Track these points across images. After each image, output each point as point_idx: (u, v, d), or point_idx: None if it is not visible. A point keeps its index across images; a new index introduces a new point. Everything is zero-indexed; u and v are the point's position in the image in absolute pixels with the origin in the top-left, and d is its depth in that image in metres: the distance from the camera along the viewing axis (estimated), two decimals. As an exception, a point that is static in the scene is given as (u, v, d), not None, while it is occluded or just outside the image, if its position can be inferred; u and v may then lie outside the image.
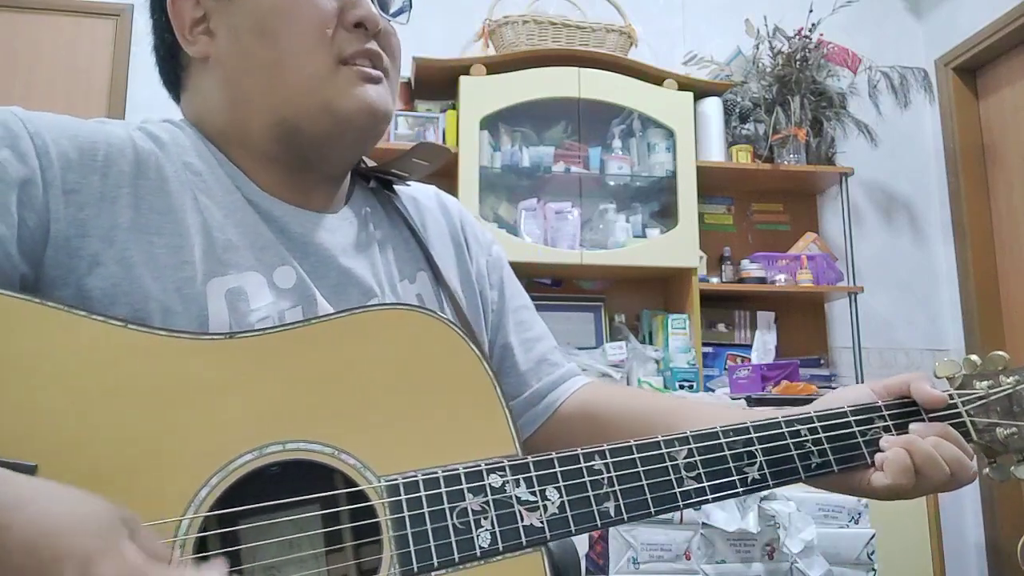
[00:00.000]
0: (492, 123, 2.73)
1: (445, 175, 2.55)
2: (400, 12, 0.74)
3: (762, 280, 2.86)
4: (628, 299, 2.93)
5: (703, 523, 1.95)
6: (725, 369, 2.74)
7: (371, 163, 0.80)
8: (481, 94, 2.67)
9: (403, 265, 0.74)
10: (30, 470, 0.45)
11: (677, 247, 2.71)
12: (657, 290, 2.96)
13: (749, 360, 2.81)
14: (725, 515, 1.93)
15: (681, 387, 2.50)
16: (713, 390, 2.57)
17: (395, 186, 0.81)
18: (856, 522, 2.06)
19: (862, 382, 2.81)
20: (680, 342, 2.66)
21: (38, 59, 2.82)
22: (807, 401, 2.39)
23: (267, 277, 0.64)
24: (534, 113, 2.80)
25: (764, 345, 2.88)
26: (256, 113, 0.67)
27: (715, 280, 2.87)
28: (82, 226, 0.58)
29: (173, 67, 0.72)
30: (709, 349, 2.83)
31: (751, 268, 2.87)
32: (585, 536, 1.92)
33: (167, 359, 0.53)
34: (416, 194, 0.83)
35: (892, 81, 3.01)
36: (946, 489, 0.66)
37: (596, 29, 2.82)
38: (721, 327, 2.93)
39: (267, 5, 0.66)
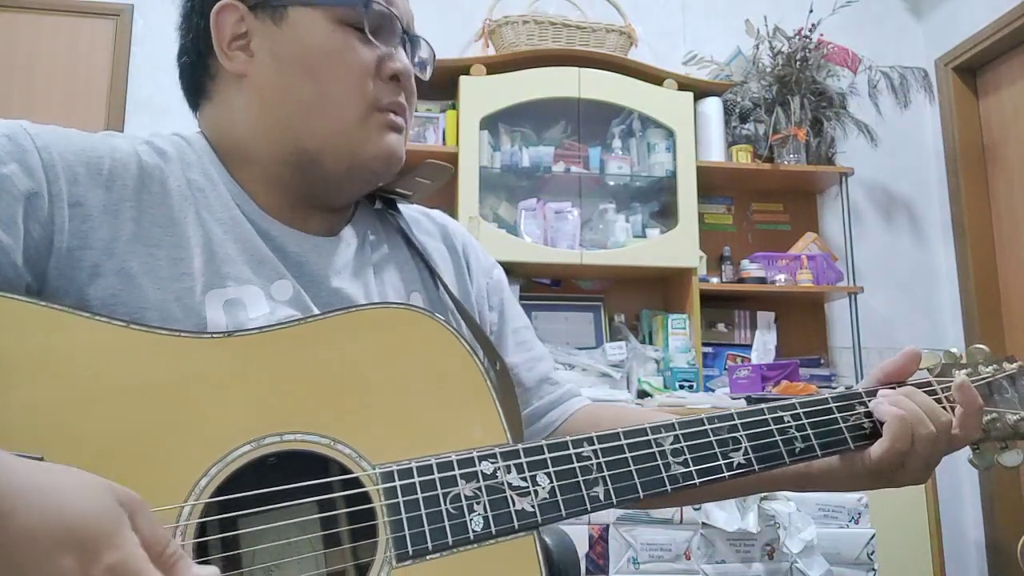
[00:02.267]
0: (492, 123, 2.74)
1: (445, 175, 2.55)
2: (423, 65, 0.78)
3: (762, 280, 2.86)
4: (628, 299, 2.93)
5: (703, 523, 1.95)
6: (725, 369, 2.74)
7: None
8: (481, 94, 2.67)
9: (398, 285, 0.76)
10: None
11: (677, 247, 2.71)
12: (657, 290, 2.96)
13: (749, 360, 2.82)
14: (725, 515, 1.94)
15: (681, 387, 2.50)
16: (713, 390, 2.57)
17: (399, 205, 0.83)
18: (856, 522, 2.06)
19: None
20: (680, 342, 2.66)
21: (38, 59, 2.82)
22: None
23: (264, 289, 0.65)
24: (534, 113, 2.80)
25: (764, 345, 2.88)
26: (281, 139, 0.69)
27: (715, 280, 2.87)
28: (84, 238, 0.60)
29: (199, 74, 0.73)
30: (709, 349, 2.83)
31: (751, 268, 2.87)
32: (585, 536, 1.92)
33: (168, 356, 0.54)
34: (419, 215, 0.85)
35: (892, 81, 3.01)
36: (936, 453, 0.68)
37: (596, 29, 2.82)
38: (721, 327, 2.93)
39: (317, 45, 0.68)
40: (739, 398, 2.38)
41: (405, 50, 0.73)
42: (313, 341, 0.58)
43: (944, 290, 3.21)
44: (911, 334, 3.16)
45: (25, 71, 2.80)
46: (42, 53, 2.83)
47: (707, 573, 1.93)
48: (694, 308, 2.69)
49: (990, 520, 2.95)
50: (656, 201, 2.91)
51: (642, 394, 2.51)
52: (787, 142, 2.88)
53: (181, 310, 0.61)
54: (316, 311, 0.67)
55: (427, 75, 0.78)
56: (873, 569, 2.02)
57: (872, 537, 2.03)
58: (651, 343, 2.76)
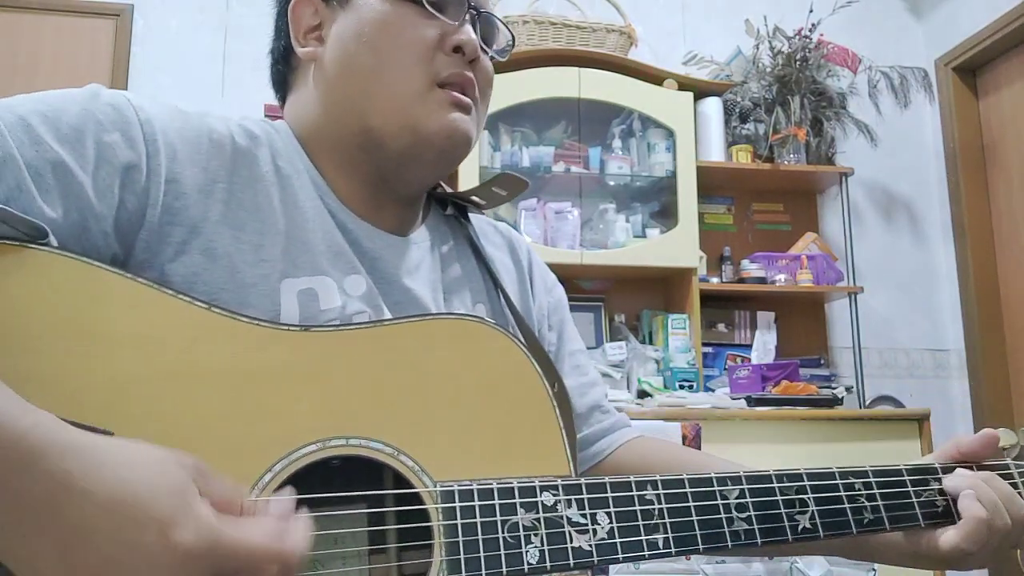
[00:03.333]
0: (492, 123, 2.74)
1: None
2: (503, 51, 0.77)
3: (762, 280, 2.86)
4: (628, 299, 2.93)
5: (703, 523, 1.94)
6: (725, 369, 2.74)
7: (449, 189, 0.82)
8: (481, 94, 2.66)
9: (464, 294, 0.76)
10: None
11: (677, 247, 2.71)
12: (657, 290, 2.96)
13: (749, 360, 2.81)
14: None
15: (681, 387, 2.50)
16: (713, 390, 2.57)
17: (470, 214, 0.83)
18: (856, 522, 2.05)
19: (862, 382, 2.83)
20: (680, 342, 2.66)
21: (38, 59, 2.82)
22: (807, 402, 2.37)
23: (338, 283, 0.66)
24: (534, 113, 2.80)
25: (764, 345, 2.88)
26: (346, 117, 0.70)
27: (715, 280, 2.87)
28: (176, 214, 0.61)
29: (284, 70, 0.77)
30: (709, 349, 2.83)
31: (751, 268, 2.87)
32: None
33: (245, 344, 0.54)
34: (488, 227, 0.85)
35: (892, 81, 3.01)
36: (1005, 544, 0.66)
37: (596, 29, 2.82)
38: (721, 327, 2.93)
39: (377, 17, 0.69)
40: (739, 398, 2.37)
41: (474, 27, 0.72)
42: (387, 346, 0.58)
43: (944, 290, 3.21)
44: (911, 334, 3.16)
45: (26, 71, 2.80)
46: (42, 53, 2.83)
47: (707, 573, 1.93)
48: (694, 308, 2.69)
49: (990, 520, 2.95)
50: (656, 201, 2.91)
51: (642, 394, 2.50)
52: (787, 142, 2.88)
53: (257, 295, 0.61)
54: (386, 309, 0.67)
55: (504, 56, 0.77)
56: (873, 569, 2.02)
57: (872, 537, 2.03)
58: (651, 343, 2.76)
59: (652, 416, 2.14)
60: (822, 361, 2.95)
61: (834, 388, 2.53)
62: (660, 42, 3.11)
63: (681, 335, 2.67)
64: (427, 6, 0.69)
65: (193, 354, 0.52)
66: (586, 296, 2.88)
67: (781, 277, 2.86)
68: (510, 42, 0.78)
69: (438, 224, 0.79)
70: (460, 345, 0.60)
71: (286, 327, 0.56)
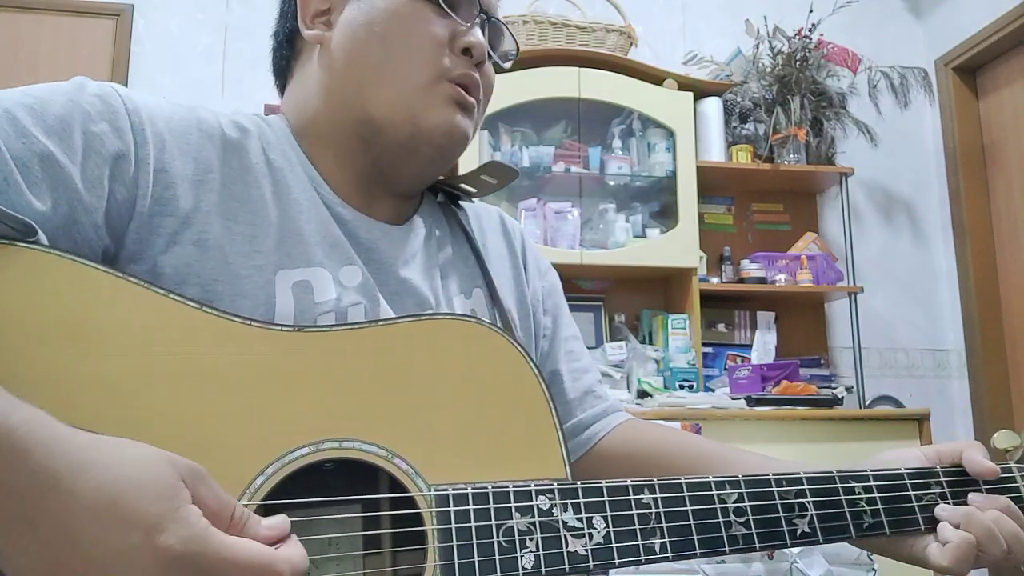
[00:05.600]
0: (492, 123, 2.74)
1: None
2: (506, 58, 0.77)
3: (762, 280, 2.86)
4: (628, 299, 2.93)
5: (703, 523, 1.94)
6: (725, 369, 2.74)
7: (440, 176, 0.82)
8: (481, 94, 2.66)
9: (461, 280, 0.76)
10: None
11: (677, 247, 2.71)
12: (657, 290, 2.96)
13: (749, 360, 2.81)
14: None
15: (681, 387, 2.50)
16: (713, 390, 2.57)
17: (461, 202, 0.83)
18: (856, 522, 2.06)
19: (862, 382, 2.83)
20: (680, 342, 2.66)
21: (38, 59, 2.82)
22: (807, 402, 2.36)
23: (334, 273, 0.65)
24: (534, 113, 2.80)
25: (764, 345, 2.87)
26: (348, 105, 0.69)
27: (715, 280, 2.87)
28: (165, 205, 0.60)
29: (287, 54, 0.76)
30: (709, 349, 2.83)
31: (751, 268, 2.87)
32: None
33: (237, 345, 0.53)
34: (480, 213, 0.85)
35: (892, 81, 3.01)
36: (1001, 567, 0.64)
37: (596, 29, 2.82)
38: (721, 327, 2.93)
39: (390, 8, 0.68)
40: (739, 398, 2.37)
41: (483, 31, 0.72)
42: (383, 347, 0.57)
43: (944, 290, 3.21)
44: (911, 334, 3.16)
45: (26, 71, 2.80)
46: (42, 53, 2.83)
47: (707, 573, 1.93)
48: (694, 308, 2.69)
49: (990, 520, 2.95)
50: (656, 201, 2.91)
51: (642, 394, 2.50)
52: (787, 142, 2.88)
53: (252, 286, 0.60)
54: (383, 300, 0.66)
55: (508, 64, 0.77)
56: (873, 569, 2.02)
57: (872, 537, 2.03)
58: (651, 343, 2.76)
59: (652, 416, 2.14)
60: (822, 361, 2.95)
61: (834, 388, 2.53)
62: (660, 42, 3.11)
63: (681, 335, 2.67)
64: (441, 4, 0.69)
65: (184, 355, 0.51)
66: (586, 296, 2.88)
67: (781, 277, 2.86)
68: (514, 51, 0.77)
69: (432, 212, 0.79)
70: (455, 346, 0.59)
71: (279, 327, 0.55)
